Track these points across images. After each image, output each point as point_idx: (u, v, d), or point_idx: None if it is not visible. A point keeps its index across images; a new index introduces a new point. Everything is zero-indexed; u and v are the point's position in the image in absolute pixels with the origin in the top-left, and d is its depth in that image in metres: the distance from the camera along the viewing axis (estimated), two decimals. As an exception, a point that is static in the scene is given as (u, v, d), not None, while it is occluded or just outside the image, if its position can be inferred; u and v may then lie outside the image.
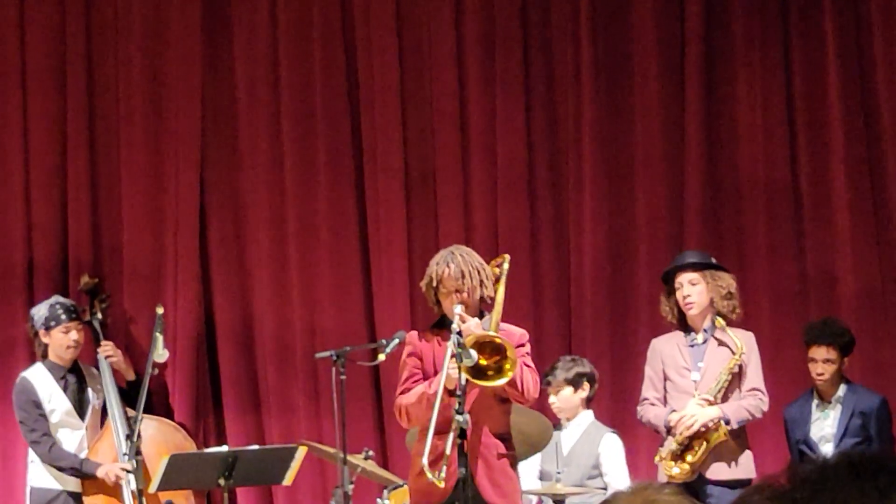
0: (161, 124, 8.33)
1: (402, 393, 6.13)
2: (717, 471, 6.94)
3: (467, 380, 5.78)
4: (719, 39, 8.08)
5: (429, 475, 5.72)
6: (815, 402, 7.34)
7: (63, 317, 7.59)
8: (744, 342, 6.99)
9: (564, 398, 7.20)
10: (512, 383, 5.90)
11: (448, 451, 5.78)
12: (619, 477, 7.07)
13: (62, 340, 7.56)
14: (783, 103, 8.02)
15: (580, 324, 8.06)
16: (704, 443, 6.94)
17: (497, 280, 6.21)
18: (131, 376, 7.77)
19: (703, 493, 6.88)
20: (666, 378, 7.09)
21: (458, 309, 5.93)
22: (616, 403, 7.78)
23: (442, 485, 5.74)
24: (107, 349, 7.74)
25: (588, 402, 7.29)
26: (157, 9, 8.34)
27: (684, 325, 7.13)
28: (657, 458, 7.03)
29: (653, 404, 7.09)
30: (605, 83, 8.12)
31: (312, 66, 8.27)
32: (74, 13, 8.35)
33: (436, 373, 5.99)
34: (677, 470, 6.94)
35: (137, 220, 8.29)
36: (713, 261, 7.19)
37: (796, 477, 1.39)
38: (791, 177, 8.00)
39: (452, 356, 5.80)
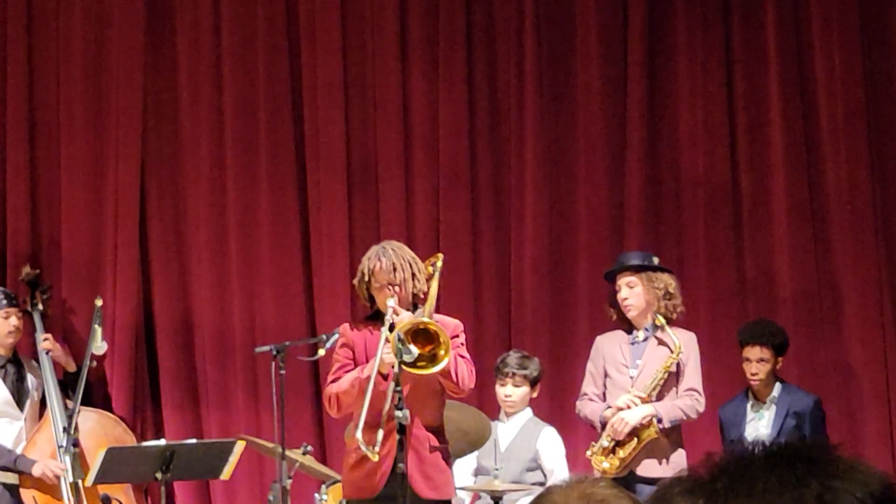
0: (102, 116, 8.28)
1: (332, 382, 6.12)
2: (648, 468, 6.99)
3: (401, 371, 5.79)
4: (662, 40, 8.13)
5: (363, 448, 5.71)
6: (750, 402, 7.40)
7: (3, 302, 7.56)
8: (683, 342, 7.03)
9: (521, 395, 7.22)
10: (447, 374, 5.90)
11: (379, 442, 5.79)
12: (560, 471, 7.10)
13: (2, 326, 7.53)
14: (724, 105, 8.08)
15: (520, 321, 8.09)
16: (634, 439, 6.98)
17: (430, 276, 6.21)
18: (72, 367, 7.73)
19: (633, 491, 6.91)
20: (606, 374, 7.14)
21: (392, 302, 5.94)
22: (554, 400, 7.81)
23: (376, 458, 5.74)
24: (46, 343, 7.69)
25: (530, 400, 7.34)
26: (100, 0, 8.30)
27: (628, 324, 7.18)
28: (589, 453, 7.07)
29: (591, 400, 7.14)
30: (548, 82, 8.16)
31: (255, 60, 8.25)
32: (15, 3, 8.29)
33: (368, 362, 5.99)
34: (607, 464, 6.98)
35: (77, 212, 8.24)
36: (655, 261, 7.23)
37: (714, 467, 1.41)
38: (731, 178, 8.07)
39: (386, 341, 5.81)
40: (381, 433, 5.79)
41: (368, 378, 5.82)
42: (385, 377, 5.84)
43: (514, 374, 7.20)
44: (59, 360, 7.74)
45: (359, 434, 5.73)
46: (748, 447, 1.41)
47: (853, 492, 1.36)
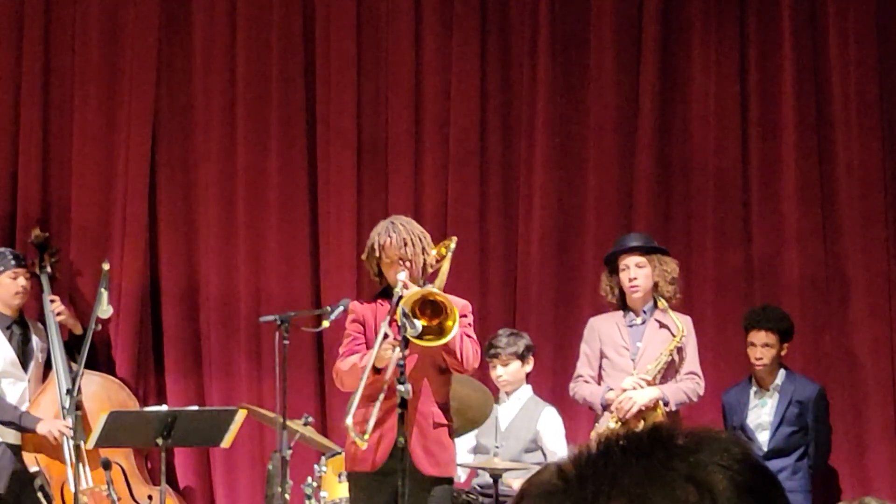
0: (115, 83, 8.30)
1: (342, 355, 6.12)
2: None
3: (408, 344, 5.78)
4: (676, 22, 8.10)
5: (352, 434, 5.75)
6: (754, 388, 7.39)
7: (12, 262, 7.59)
8: (684, 325, 7.03)
9: (512, 372, 7.22)
10: (451, 351, 5.90)
11: (373, 417, 5.80)
12: (560, 452, 7.10)
13: (10, 286, 7.56)
14: (737, 91, 8.05)
15: (525, 300, 8.09)
16: (641, 422, 6.97)
17: (443, 258, 6.18)
18: (78, 330, 7.76)
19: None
20: (603, 356, 7.10)
21: (402, 275, 5.92)
22: (558, 380, 7.80)
23: (364, 446, 5.76)
24: (56, 305, 7.72)
25: (527, 377, 7.32)
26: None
27: (623, 305, 7.15)
28: (593, 435, 7.06)
29: (587, 382, 7.11)
30: (560, 61, 8.14)
31: (269, 31, 8.25)
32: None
33: (377, 340, 6.00)
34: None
35: (87, 177, 8.28)
36: (655, 244, 7.21)
37: (575, 473, 1.38)
38: (741, 163, 8.04)
39: (385, 336, 5.80)
40: (372, 421, 5.79)
41: (364, 368, 5.82)
42: (378, 371, 5.84)
43: (499, 354, 7.19)
44: (66, 323, 7.77)
45: (349, 420, 5.76)
46: (600, 444, 1.39)
47: (718, 461, 1.34)
